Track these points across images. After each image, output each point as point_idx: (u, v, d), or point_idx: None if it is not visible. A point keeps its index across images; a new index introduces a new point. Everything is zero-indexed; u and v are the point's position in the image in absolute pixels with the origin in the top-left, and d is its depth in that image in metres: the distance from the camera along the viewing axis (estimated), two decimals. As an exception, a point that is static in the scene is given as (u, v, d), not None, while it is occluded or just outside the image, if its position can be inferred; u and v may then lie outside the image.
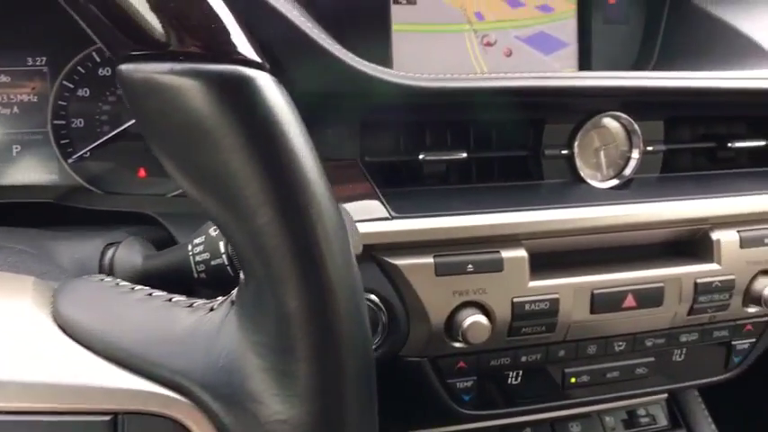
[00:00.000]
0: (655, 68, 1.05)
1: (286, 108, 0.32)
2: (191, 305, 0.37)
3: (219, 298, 0.37)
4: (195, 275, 0.58)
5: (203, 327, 0.35)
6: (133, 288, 0.42)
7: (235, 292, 0.36)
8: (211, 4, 0.32)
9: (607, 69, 1.07)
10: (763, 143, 0.85)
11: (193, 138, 0.31)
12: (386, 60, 0.99)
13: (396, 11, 1.00)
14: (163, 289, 0.46)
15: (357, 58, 0.66)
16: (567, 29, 1.07)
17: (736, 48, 0.92)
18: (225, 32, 0.32)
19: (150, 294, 0.40)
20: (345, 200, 0.68)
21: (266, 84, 0.32)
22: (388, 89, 0.66)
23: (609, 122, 0.80)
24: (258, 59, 0.33)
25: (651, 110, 0.79)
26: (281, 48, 0.62)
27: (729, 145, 0.84)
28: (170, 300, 0.38)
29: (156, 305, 0.39)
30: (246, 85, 0.31)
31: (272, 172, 0.31)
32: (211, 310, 0.36)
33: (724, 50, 0.94)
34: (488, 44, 1.04)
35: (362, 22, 0.97)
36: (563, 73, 0.73)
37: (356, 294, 0.34)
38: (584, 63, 1.08)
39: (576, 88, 0.72)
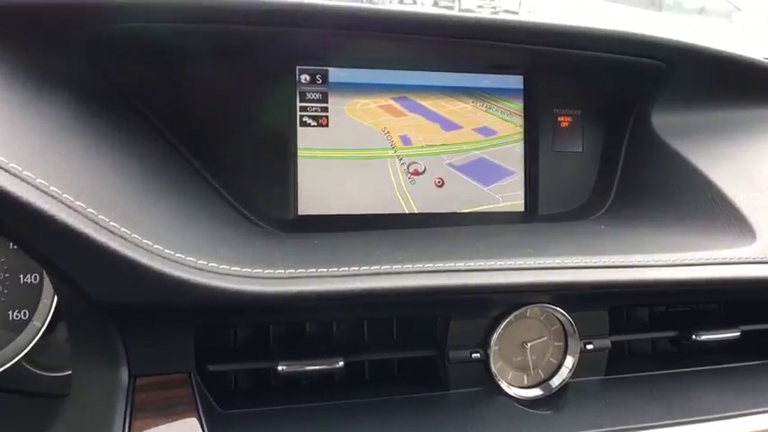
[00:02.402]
0: (611, 208, 0.87)
1: None
2: None
3: None
4: None
5: None
6: None
7: None
8: None
9: (557, 204, 0.90)
10: (736, 334, 0.67)
11: None
12: (287, 193, 0.81)
13: (303, 134, 0.82)
14: None
15: (174, 256, 0.47)
16: (511, 155, 0.90)
17: (703, 198, 0.75)
18: None
19: None
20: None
21: None
22: (205, 296, 0.47)
23: (537, 314, 0.61)
24: None
25: (591, 301, 0.61)
26: (54, 254, 0.44)
27: (694, 337, 0.65)
28: None
29: None
30: None
31: None
32: None
33: (689, 198, 0.76)
34: (416, 173, 0.87)
35: (262, 146, 0.80)
36: (473, 261, 0.55)
37: None
38: (531, 195, 0.90)
39: (487, 287, 0.54)
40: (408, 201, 0.86)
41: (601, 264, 0.57)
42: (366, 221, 0.83)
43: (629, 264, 0.58)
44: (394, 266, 0.53)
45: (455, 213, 0.87)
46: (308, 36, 0.72)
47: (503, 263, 0.55)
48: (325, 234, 0.75)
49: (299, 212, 0.82)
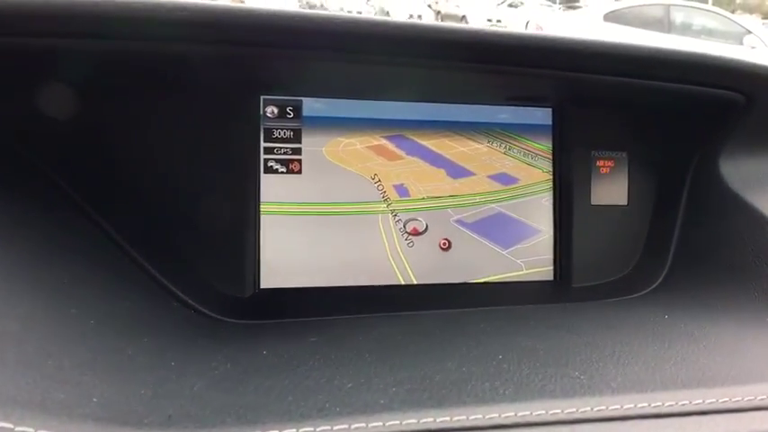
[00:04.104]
0: (667, 281, 0.67)
1: None
2: None
3: None
4: None
5: None
6: None
7: None
8: None
9: (595, 272, 0.70)
10: None
11: None
12: (244, 262, 0.61)
13: (268, 183, 0.63)
14: None
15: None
16: (537, 210, 0.71)
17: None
18: None
19: None
20: None
21: None
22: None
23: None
24: None
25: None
26: None
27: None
28: None
29: None
30: None
31: None
32: None
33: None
34: (415, 233, 0.67)
35: (212, 201, 0.61)
36: (502, 408, 0.35)
37: None
38: (563, 261, 0.70)
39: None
40: (405, 269, 0.66)
41: (689, 409, 0.37)
42: (349, 297, 0.64)
43: (730, 407, 0.38)
44: (371, 424, 0.33)
45: (465, 285, 0.68)
46: (274, 57, 0.53)
47: (543, 412, 0.35)
48: (286, 324, 0.55)
49: (261, 286, 0.62)
